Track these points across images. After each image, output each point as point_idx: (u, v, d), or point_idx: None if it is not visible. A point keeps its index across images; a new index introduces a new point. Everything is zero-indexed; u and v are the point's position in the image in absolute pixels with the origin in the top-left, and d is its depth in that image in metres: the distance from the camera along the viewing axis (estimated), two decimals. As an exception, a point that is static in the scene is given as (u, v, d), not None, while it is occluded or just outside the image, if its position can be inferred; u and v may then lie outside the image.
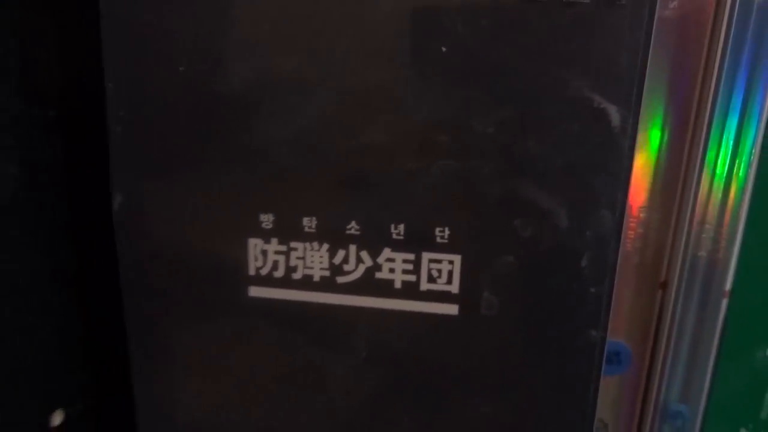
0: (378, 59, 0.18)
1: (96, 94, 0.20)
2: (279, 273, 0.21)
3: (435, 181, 0.19)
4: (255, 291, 0.21)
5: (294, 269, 0.21)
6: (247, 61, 0.19)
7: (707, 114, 0.24)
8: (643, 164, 0.25)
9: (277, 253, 0.20)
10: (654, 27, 0.18)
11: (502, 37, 0.18)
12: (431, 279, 0.20)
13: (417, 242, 0.20)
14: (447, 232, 0.20)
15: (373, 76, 0.19)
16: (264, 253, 0.20)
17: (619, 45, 0.17)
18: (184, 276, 0.21)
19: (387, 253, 0.20)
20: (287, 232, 0.20)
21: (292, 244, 0.20)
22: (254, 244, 0.20)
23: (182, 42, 0.19)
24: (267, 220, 0.20)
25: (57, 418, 0.22)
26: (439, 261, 0.20)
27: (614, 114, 0.18)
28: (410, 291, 0.20)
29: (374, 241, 0.20)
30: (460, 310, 0.20)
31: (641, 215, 0.25)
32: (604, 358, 0.27)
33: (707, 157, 0.24)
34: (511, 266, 0.19)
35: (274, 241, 0.20)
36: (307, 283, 0.21)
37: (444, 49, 0.18)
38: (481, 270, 0.20)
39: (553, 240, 0.19)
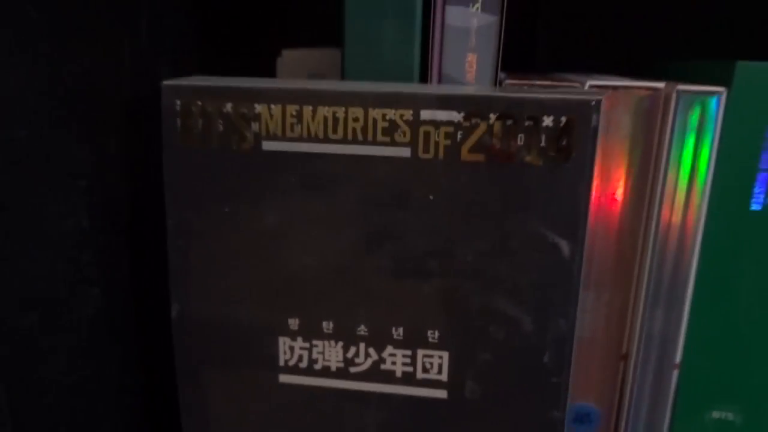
0: (382, 205, 0.24)
1: (159, 221, 0.25)
2: (303, 364, 0.26)
3: (427, 295, 0.24)
4: (284, 378, 0.26)
5: (315, 361, 0.26)
6: (281, 207, 0.24)
7: (653, 222, 0.29)
8: (606, 256, 0.30)
9: (301, 348, 0.26)
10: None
11: (477, 189, 0.23)
12: (425, 370, 0.25)
13: (413, 341, 0.25)
14: (437, 333, 0.25)
15: (379, 218, 0.24)
16: (291, 348, 0.26)
17: (566, 195, 0.22)
18: (232, 365, 0.26)
19: (390, 349, 0.25)
20: (310, 332, 0.25)
21: (314, 342, 0.25)
22: (283, 342, 0.26)
23: (227, 187, 0.24)
24: (294, 323, 0.25)
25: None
26: (431, 356, 0.25)
27: (564, 246, 0.23)
28: (408, 379, 0.25)
29: (379, 340, 0.25)
30: (449, 394, 0.25)
31: (605, 300, 0.30)
32: (578, 419, 0.32)
33: (655, 259, 0.29)
34: (488, 361, 0.24)
35: (300, 339, 0.25)
36: (326, 372, 0.26)
37: (432, 197, 0.23)
38: (465, 363, 0.25)
39: (520, 341, 0.24)
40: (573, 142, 0.22)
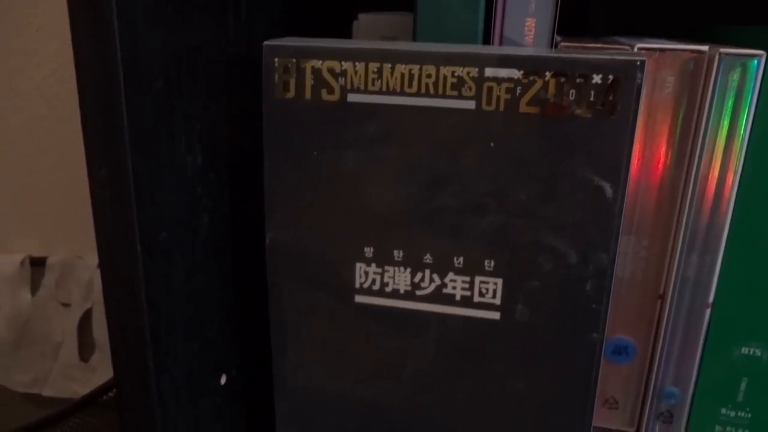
0: (449, 151, 0.27)
1: (256, 164, 0.29)
2: (376, 287, 0.30)
3: (484, 230, 0.28)
4: (359, 298, 0.30)
5: (386, 285, 0.30)
6: (362, 151, 0.28)
7: (692, 174, 0.31)
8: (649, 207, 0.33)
9: (375, 273, 0.30)
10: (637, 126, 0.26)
11: (532, 138, 0.26)
12: (481, 294, 0.29)
13: (472, 269, 0.29)
14: (493, 263, 0.28)
15: (446, 162, 0.28)
16: (366, 273, 0.30)
17: (611, 144, 0.26)
18: (315, 285, 0.31)
19: (451, 276, 0.29)
20: (382, 259, 0.30)
21: (386, 268, 0.30)
22: (360, 267, 0.30)
23: (316, 134, 0.28)
24: (369, 251, 0.30)
25: (223, 379, 0.32)
26: (487, 282, 0.29)
27: (608, 189, 0.26)
28: (467, 302, 0.29)
29: (442, 267, 0.29)
30: (501, 316, 0.29)
31: (645, 244, 0.33)
32: (616, 351, 0.35)
33: (692, 208, 0.32)
34: (536, 288, 0.28)
35: (373, 265, 0.30)
36: (395, 294, 0.30)
37: (492, 144, 0.27)
38: (516, 289, 0.28)
39: (566, 271, 0.28)
40: (618, 98, 0.25)
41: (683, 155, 0.32)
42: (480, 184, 0.27)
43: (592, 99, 0.25)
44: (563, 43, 0.31)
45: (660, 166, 0.32)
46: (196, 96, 0.28)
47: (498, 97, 0.26)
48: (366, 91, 0.28)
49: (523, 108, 0.26)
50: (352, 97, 0.28)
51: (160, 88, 0.25)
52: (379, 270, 0.30)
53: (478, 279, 0.29)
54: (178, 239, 0.27)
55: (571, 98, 0.26)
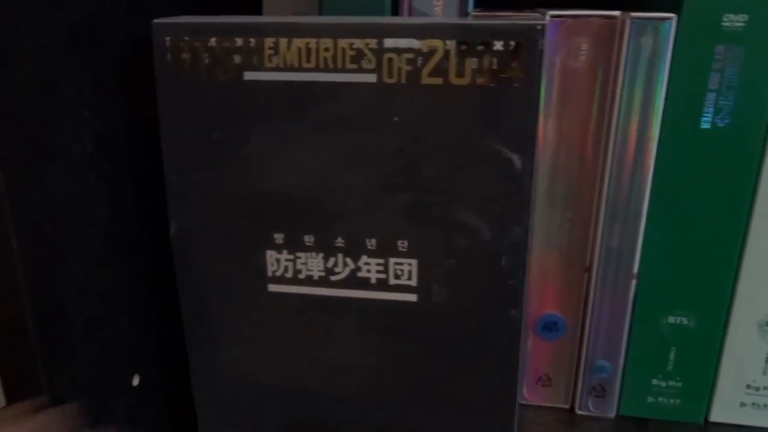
0: (353, 127, 0.26)
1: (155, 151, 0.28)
2: (289, 274, 0.29)
3: (395, 209, 0.27)
4: (273, 287, 0.29)
5: (299, 272, 0.29)
6: (263, 132, 0.27)
7: (611, 142, 0.31)
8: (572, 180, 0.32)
9: (287, 260, 0.29)
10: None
11: (436, 110, 0.25)
12: (396, 276, 0.28)
13: (385, 251, 0.28)
14: (406, 243, 0.27)
15: (350, 140, 0.26)
16: (278, 260, 0.29)
17: (517, 112, 0.25)
18: (226, 276, 0.29)
19: (364, 258, 0.28)
20: (293, 245, 0.28)
21: (297, 254, 0.28)
22: (270, 254, 0.29)
23: (215, 115, 0.27)
24: (279, 237, 0.28)
25: (135, 380, 0.31)
26: (401, 263, 0.28)
27: (517, 160, 0.25)
28: (382, 285, 0.28)
29: (355, 250, 0.28)
30: (418, 297, 0.28)
31: (568, 217, 0.33)
32: (546, 328, 0.35)
33: (613, 178, 0.31)
34: (452, 266, 0.27)
35: (285, 252, 0.28)
36: (309, 281, 0.29)
37: (396, 119, 0.26)
38: (432, 269, 0.27)
39: (480, 248, 0.27)
40: (521, 65, 0.24)
41: (602, 123, 0.31)
42: (388, 161, 0.26)
43: (495, 67, 0.24)
44: (473, 13, 0.30)
45: (579, 135, 0.31)
46: (82, 79, 0.26)
47: (399, 69, 0.25)
48: (263, 68, 0.26)
49: (425, 79, 0.25)
50: (249, 75, 0.26)
51: (33, 71, 0.23)
52: (291, 257, 0.28)
53: (392, 261, 0.28)
54: (69, 233, 0.26)
55: (474, 67, 0.25)
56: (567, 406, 0.36)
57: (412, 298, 0.28)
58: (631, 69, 0.30)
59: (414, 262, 0.28)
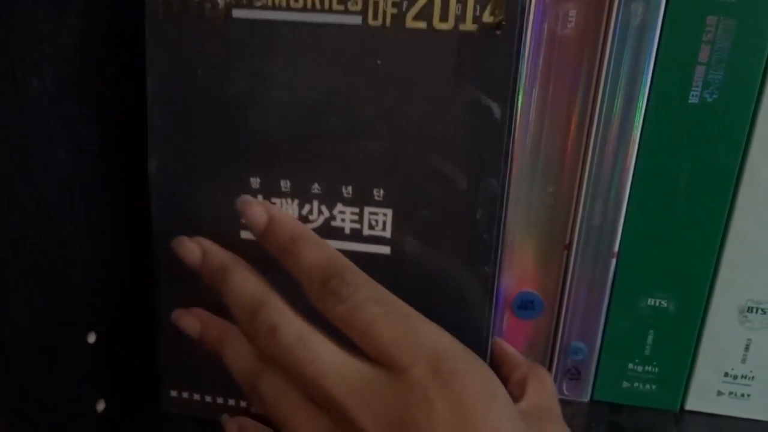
0: (336, 70, 0.26)
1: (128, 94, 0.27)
2: (263, 220, 0.28)
3: (372, 156, 0.27)
4: (245, 234, 0.29)
5: (274, 218, 0.28)
6: (246, 71, 0.27)
7: (596, 115, 0.31)
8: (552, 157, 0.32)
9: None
10: (526, 47, 0.25)
11: (419, 55, 0.25)
12: (371, 227, 0.28)
13: (360, 199, 0.27)
14: (382, 192, 0.27)
15: (332, 82, 0.26)
16: (253, 205, 0.28)
17: (497, 60, 0.25)
18: (199, 218, 0.29)
19: (340, 207, 0.28)
20: (269, 190, 0.28)
21: (273, 200, 0.28)
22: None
23: (201, 53, 0.27)
24: (255, 182, 0.28)
25: (92, 337, 0.30)
26: (376, 213, 0.27)
27: (496, 109, 0.25)
28: (356, 236, 0.28)
29: (331, 198, 0.28)
30: (392, 250, 0.28)
31: (550, 191, 0.32)
32: (523, 306, 0.34)
33: (596, 152, 0.31)
34: (427, 218, 0.27)
35: (260, 197, 0.28)
36: (283, 228, 0.28)
37: (379, 62, 0.26)
38: (406, 220, 0.27)
39: (456, 198, 0.26)
40: (503, 12, 0.24)
41: (588, 94, 0.31)
42: (367, 106, 0.26)
43: (477, 13, 0.25)
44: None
45: (564, 106, 0.31)
46: (42, 11, 0.25)
47: (384, 12, 0.25)
48: (251, 6, 0.26)
49: (409, 23, 0.25)
50: (237, 13, 0.26)
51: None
52: (266, 202, 0.28)
53: (367, 210, 0.27)
54: (21, 177, 0.25)
55: (457, 12, 0.25)
56: (541, 390, 0.35)
57: (386, 250, 0.28)
58: (620, 38, 0.30)
59: (389, 212, 0.27)
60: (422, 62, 0.25)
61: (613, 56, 0.30)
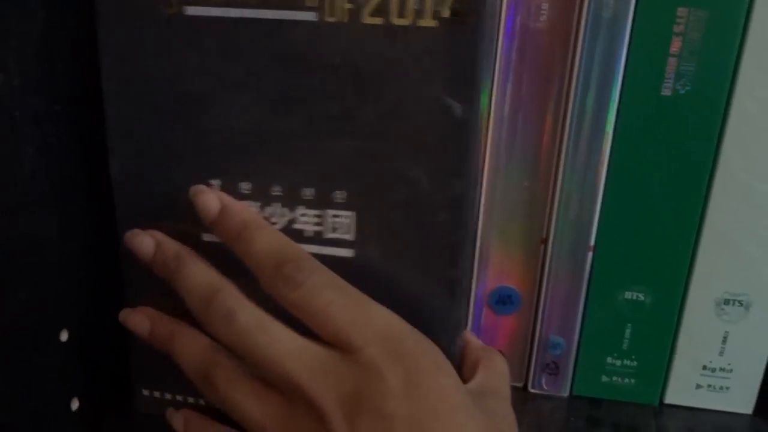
0: (293, 68, 0.25)
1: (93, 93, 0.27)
2: (226, 223, 0.28)
3: (334, 156, 0.26)
4: (207, 237, 0.28)
5: (236, 221, 0.27)
6: (203, 70, 0.26)
7: (570, 109, 0.30)
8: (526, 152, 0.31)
9: (223, 208, 0.27)
10: (495, 43, 0.24)
11: (377, 52, 0.24)
12: (333, 230, 0.27)
13: (323, 202, 0.26)
14: (345, 194, 0.26)
15: (290, 81, 0.25)
16: (214, 208, 0.27)
17: (460, 57, 0.24)
18: (161, 220, 0.28)
19: (301, 209, 0.27)
20: (230, 193, 0.27)
21: (234, 202, 0.27)
22: (207, 202, 0.27)
23: (156, 51, 0.26)
24: (216, 184, 0.27)
25: (64, 335, 0.30)
26: (339, 216, 0.27)
27: (458, 108, 0.24)
28: (318, 239, 0.27)
29: (292, 200, 0.27)
30: (355, 253, 0.27)
31: (525, 185, 0.32)
32: (501, 301, 0.33)
33: (571, 146, 0.30)
34: (390, 220, 0.26)
35: (221, 199, 0.27)
36: (246, 231, 0.28)
37: (338, 60, 0.25)
38: (369, 223, 0.26)
39: (420, 200, 0.26)
40: (466, 6, 0.23)
41: (562, 87, 0.30)
42: (326, 105, 0.25)
43: (436, 8, 0.23)
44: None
45: (538, 99, 0.30)
46: (8, 6, 0.25)
47: (341, 8, 0.24)
48: (205, 3, 0.25)
49: (366, 19, 0.24)
50: (190, 10, 0.25)
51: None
52: (228, 205, 0.27)
53: (329, 212, 0.27)
54: None
55: (416, 7, 0.24)
56: (520, 384, 0.35)
57: (349, 253, 0.27)
58: (592, 31, 0.29)
59: (352, 214, 0.26)
60: (382, 60, 0.24)
61: (586, 49, 0.29)
